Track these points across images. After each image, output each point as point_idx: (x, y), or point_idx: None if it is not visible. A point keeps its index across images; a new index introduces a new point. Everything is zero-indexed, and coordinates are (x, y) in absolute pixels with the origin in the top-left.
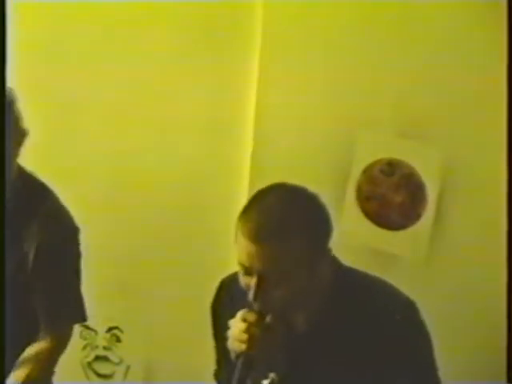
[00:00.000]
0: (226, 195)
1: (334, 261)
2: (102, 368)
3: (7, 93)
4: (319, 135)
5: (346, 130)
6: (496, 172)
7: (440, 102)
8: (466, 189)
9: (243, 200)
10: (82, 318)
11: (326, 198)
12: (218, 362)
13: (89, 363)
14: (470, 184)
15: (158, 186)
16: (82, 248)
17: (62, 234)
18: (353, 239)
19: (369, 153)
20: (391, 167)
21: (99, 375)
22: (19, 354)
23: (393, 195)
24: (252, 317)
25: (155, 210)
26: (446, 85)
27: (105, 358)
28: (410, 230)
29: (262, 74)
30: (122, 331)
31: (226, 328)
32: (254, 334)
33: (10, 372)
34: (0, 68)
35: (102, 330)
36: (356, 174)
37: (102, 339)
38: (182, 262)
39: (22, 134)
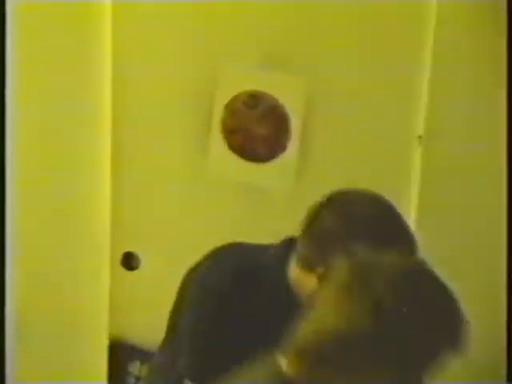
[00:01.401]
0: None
1: None
2: None
3: None
4: (179, 72)
5: (206, 63)
6: (358, 101)
7: (303, 31)
8: (330, 119)
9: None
10: None
11: (190, 134)
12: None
13: None
14: (334, 114)
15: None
16: None
17: None
18: (219, 173)
19: (231, 86)
20: (254, 99)
21: None
22: None
23: (257, 127)
24: None
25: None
26: (309, 15)
27: None
28: (276, 162)
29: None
30: None
31: None
32: None
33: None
34: (0, 68)
35: None
36: (219, 107)
37: None
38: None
39: None
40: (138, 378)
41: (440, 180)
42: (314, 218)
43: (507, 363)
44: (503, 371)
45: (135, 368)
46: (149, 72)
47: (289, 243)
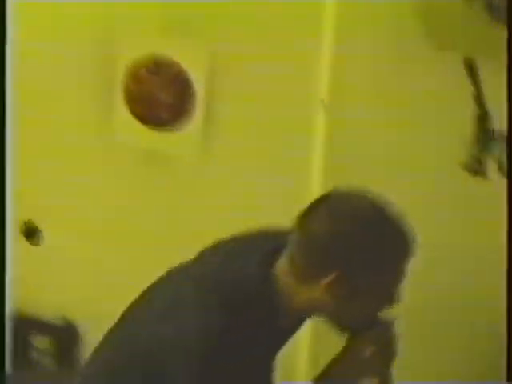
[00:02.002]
0: None
1: None
2: None
3: None
4: (78, 37)
5: (106, 28)
6: (261, 64)
7: None
8: (234, 83)
9: None
10: None
11: (91, 100)
12: None
13: None
14: (238, 78)
15: None
16: None
17: None
18: (123, 141)
19: (132, 52)
20: (156, 66)
21: None
22: None
23: (161, 94)
24: None
25: None
26: None
27: None
28: (182, 129)
29: None
30: None
31: None
32: None
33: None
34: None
35: None
36: (121, 75)
37: None
38: None
39: None
40: (40, 351)
41: (345, 144)
42: (307, 223)
43: (507, 363)
44: (503, 371)
45: (38, 341)
46: (46, 36)
47: (270, 251)
